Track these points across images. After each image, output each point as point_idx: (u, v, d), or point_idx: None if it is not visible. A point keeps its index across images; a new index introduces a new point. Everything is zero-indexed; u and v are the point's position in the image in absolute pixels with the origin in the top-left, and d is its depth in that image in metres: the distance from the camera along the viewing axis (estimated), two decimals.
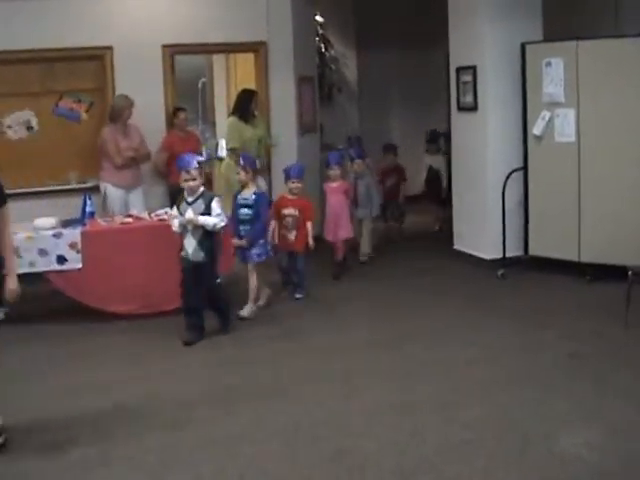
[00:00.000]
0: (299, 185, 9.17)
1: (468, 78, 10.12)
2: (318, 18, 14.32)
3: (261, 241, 8.53)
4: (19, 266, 8.09)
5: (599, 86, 9.07)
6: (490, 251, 10.03)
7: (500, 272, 9.66)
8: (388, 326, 8.05)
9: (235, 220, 8.54)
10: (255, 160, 8.94)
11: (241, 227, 8.51)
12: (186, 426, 5.87)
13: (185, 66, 12.95)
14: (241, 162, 8.66)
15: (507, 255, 9.82)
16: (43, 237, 8.31)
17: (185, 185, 7.72)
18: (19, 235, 8.27)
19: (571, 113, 9.27)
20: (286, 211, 9.12)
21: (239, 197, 8.62)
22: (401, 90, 15.36)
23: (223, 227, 7.77)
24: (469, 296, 9.05)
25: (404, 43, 14.70)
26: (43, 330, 8.24)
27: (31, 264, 8.21)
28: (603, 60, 9.03)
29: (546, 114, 9.48)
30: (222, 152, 12.28)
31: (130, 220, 8.79)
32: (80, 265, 8.32)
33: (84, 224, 8.65)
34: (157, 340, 7.74)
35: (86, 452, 5.50)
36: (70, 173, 10.49)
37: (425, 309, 8.60)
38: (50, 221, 8.58)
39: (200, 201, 7.68)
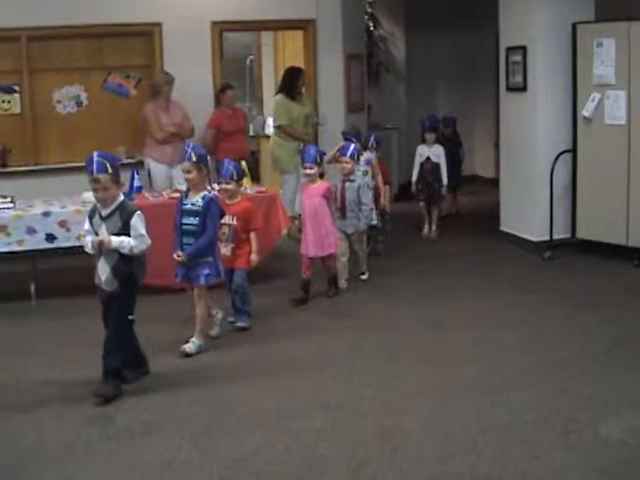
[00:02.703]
0: (229, 187, 7.50)
1: (518, 58, 10.02)
2: None
3: (210, 259, 6.89)
4: (68, 239, 8.22)
5: None
6: (537, 233, 9.96)
7: (546, 255, 9.60)
8: (433, 307, 8.04)
9: (178, 230, 6.98)
10: (207, 155, 7.23)
11: (185, 239, 6.90)
12: (232, 398, 5.93)
13: (233, 43, 12.98)
14: (192, 157, 6.85)
15: (554, 238, 9.76)
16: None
17: (94, 196, 6.03)
18: (68, 208, 8.36)
19: (622, 95, 9.16)
20: (222, 219, 7.33)
21: (184, 202, 7.00)
22: (450, 70, 15.26)
23: (144, 250, 6.04)
24: (514, 278, 9.01)
25: (453, 23, 14.60)
26: (87, 303, 8.31)
27: (79, 237, 8.27)
28: None
29: (596, 96, 9.37)
30: (268, 130, 12.35)
31: (177, 195, 8.80)
32: None
33: (132, 198, 8.68)
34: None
35: (131, 421, 5.58)
36: (118, 148, 10.55)
37: (470, 291, 8.57)
38: None
39: (116, 216, 5.95)
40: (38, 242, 8.23)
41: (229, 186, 7.51)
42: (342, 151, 8.81)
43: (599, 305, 7.90)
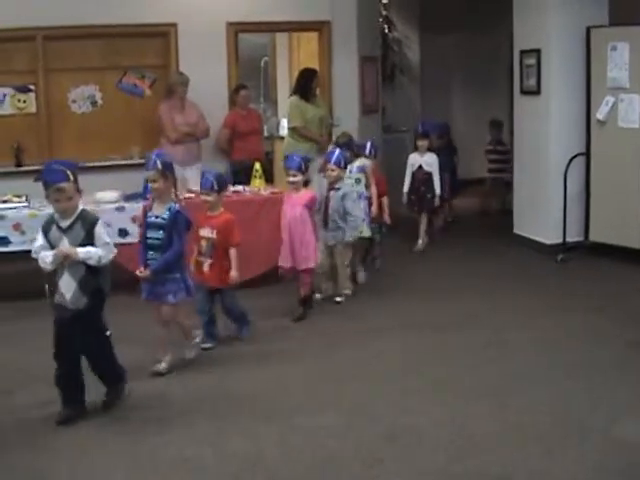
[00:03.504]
0: (209, 198, 7.06)
1: (532, 61, 10.03)
2: None
3: (177, 275, 6.39)
4: None
5: None
6: (550, 236, 9.97)
7: (560, 257, 9.60)
8: (445, 309, 8.05)
9: (143, 244, 6.51)
10: (172, 163, 6.60)
11: (150, 254, 6.39)
12: (245, 398, 5.96)
13: (248, 44, 13.01)
14: (158, 165, 6.34)
15: (567, 240, 9.77)
16: (106, 210, 8.41)
17: (55, 207, 5.52)
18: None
19: (636, 99, 9.16)
20: (202, 232, 7.05)
21: (148, 214, 6.47)
22: (464, 73, 15.27)
23: (110, 260, 5.68)
24: (528, 280, 9.02)
25: (468, 26, 14.60)
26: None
27: None
28: None
29: (610, 99, 9.38)
30: (282, 131, 12.38)
31: (192, 195, 8.83)
32: None
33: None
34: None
35: (144, 419, 5.63)
36: (132, 148, 10.60)
37: (483, 293, 8.57)
38: (113, 195, 8.70)
39: (78, 226, 5.52)
40: None
41: (209, 197, 7.06)
42: (327, 158, 8.41)
43: (612, 308, 7.89)
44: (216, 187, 7.04)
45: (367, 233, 8.84)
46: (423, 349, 6.93)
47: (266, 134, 12.62)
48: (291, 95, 10.93)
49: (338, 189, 8.26)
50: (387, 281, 9.06)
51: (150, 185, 6.50)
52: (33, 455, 5.15)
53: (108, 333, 5.71)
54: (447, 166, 11.29)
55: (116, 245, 8.21)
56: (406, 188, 10.58)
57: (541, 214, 10.15)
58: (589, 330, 7.27)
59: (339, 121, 11.26)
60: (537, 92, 10.02)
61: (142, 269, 6.34)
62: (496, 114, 13.55)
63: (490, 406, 5.67)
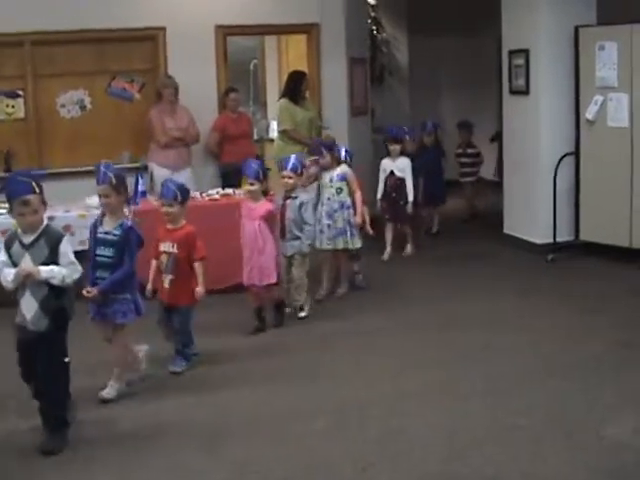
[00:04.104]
0: (171, 210, 6.57)
1: (520, 61, 10.04)
2: (370, 0, 14.28)
3: (127, 295, 5.94)
4: (71, 244, 8.22)
5: None
6: (541, 236, 9.97)
7: (550, 257, 9.61)
8: (439, 311, 8.03)
9: (92, 261, 5.97)
10: (125, 176, 6.16)
11: (98, 273, 5.90)
12: (235, 403, 5.95)
13: (237, 47, 13.00)
14: (111, 180, 5.87)
15: (558, 240, 9.77)
16: (95, 215, 8.37)
17: (20, 221, 5.16)
18: (72, 213, 8.40)
19: (624, 98, 9.18)
20: (162, 246, 6.59)
21: (98, 229, 6.00)
22: (452, 74, 15.29)
23: (76, 280, 5.27)
24: (518, 280, 9.02)
25: (456, 26, 14.61)
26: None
27: (82, 242, 8.28)
28: None
29: (599, 98, 9.39)
30: (272, 133, 12.39)
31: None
32: None
33: (136, 203, 8.72)
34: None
35: (135, 425, 5.63)
36: (122, 153, 10.58)
37: (474, 293, 8.57)
38: None
39: (42, 242, 5.15)
40: None
41: (171, 209, 6.56)
42: (282, 165, 7.90)
43: (603, 307, 7.90)
44: (179, 198, 6.58)
45: (358, 244, 8.64)
46: (417, 351, 6.92)
47: (256, 137, 12.63)
48: (280, 98, 10.93)
49: (295, 197, 7.82)
50: (379, 285, 9.04)
51: (102, 200, 6.01)
52: (22, 464, 5.12)
53: (67, 360, 5.34)
54: (435, 167, 11.28)
55: None
56: (379, 194, 10.19)
57: (531, 214, 10.16)
58: (580, 330, 7.27)
59: (329, 123, 11.25)
60: (526, 92, 10.03)
61: (89, 289, 5.83)
62: (486, 114, 13.58)
63: (483, 408, 5.67)
